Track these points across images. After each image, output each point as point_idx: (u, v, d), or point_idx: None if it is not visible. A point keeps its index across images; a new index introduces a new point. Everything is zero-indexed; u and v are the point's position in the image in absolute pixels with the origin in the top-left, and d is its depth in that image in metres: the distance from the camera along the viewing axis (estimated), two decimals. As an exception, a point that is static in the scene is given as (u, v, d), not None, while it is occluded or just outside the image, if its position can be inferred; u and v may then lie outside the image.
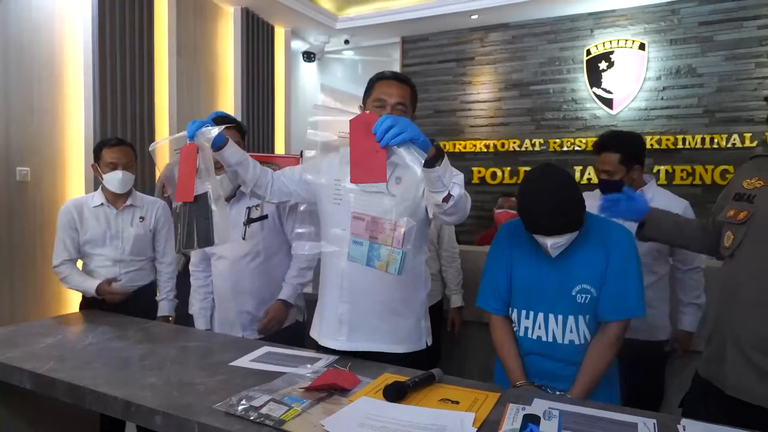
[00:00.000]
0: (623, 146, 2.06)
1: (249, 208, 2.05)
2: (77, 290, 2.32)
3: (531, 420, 1.11)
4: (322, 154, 1.81)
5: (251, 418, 1.14)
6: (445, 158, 1.32)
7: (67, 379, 1.39)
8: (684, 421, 1.16)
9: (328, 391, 1.30)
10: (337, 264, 1.64)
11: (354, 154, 1.28)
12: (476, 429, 1.11)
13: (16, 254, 3.18)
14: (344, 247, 1.60)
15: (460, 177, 1.43)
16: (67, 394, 1.38)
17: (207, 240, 1.49)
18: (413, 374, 1.37)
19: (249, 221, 2.03)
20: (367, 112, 1.33)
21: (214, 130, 1.51)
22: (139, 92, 3.80)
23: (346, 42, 5.68)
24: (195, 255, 2.24)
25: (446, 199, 1.35)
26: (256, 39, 4.94)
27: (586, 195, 2.37)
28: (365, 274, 1.58)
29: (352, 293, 1.63)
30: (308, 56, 5.71)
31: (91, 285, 2.26)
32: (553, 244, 1.44)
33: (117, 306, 2.27)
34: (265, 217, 2.03)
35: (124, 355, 1.60)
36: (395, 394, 1.24)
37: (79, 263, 2.41)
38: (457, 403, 1.24)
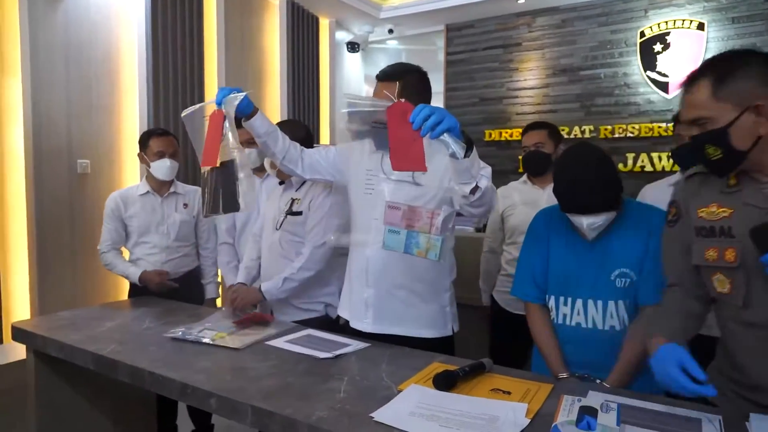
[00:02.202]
0: None
1: (293, 200, 2.06)
2: (122, 275, 2.42)
3: (588, 412, 1.07)
4: (353, 144, 1.83)
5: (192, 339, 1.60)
6: (474, 149, 1.32)
7: (127, 361, 1.44)
8: (753, 416, 1.10)
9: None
10: (363, 251, 1.69)
11: (393, 143, 1.29)
12: (529, 420, 1.08)
13: (77, 242, 3.33)
14: (372, 235, 1.65)
15: (487, 170, 1.45)
16: (127, 375, 1.43)
17: (233, 206, 1.54)
18: (462, 363, 1.35)
19: (290, 212, 2.04)
20: (403, 100, 1.32)
21: (240, 96, 1.55)
22: (190, 88, 3.90)
23: (390, 31, 5.64)
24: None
25: (473, 191, 1.36)
26: (302, 31, 4.98)
27: (651, 186, 2.29)
28: (390, 260, 1.64)
29: (377, 279, 1.67)
30: (352, 47, 5.70)
31: (135, 272, 2.35)
32: (589, 224, 1.42)
33: (166, 293, 2.36)
34: (300, 213, 2.03)
35: (178, 339, 1.65)
36: (445, 383, 1.23)
37: (126, 254, 2.50)
38: (509, 393, 1.22)
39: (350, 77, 5.92)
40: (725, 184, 1.16)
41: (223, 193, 1.54)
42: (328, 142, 5.36)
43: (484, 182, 1.37)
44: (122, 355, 1.49)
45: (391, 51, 6.28)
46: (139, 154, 2.46)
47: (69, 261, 3.29)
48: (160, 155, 2.38)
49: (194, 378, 1.31)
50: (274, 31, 4.84)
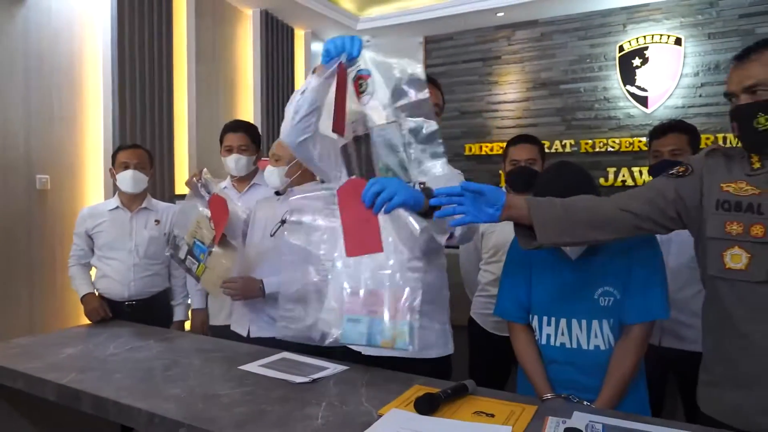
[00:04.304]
0: (691, 129, 2.08)
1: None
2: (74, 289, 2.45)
3: (573, 435, 1.09)
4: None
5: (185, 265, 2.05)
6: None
7: (90, 390, 1.41)
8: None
9: None
10: (364, 267, 1.63)
11: (346, 225, 1.29)
12: (514, 444, 1.09)
13: (35, 263, 3.25)
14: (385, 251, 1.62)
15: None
16: (90, 405, 1.40)
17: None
18: (444, 385, 1.36)
19: (285, 221, 2.04)
20: (354, 177, 1.34)
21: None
22: (158, 99, 3.87)
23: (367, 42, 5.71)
24: None
25: (449, 238, 1.41)
26: (276, 42, 5.00)
27: None
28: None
29: None
30: (328, 59, 5.74)
31: (82, 290, 2.38)
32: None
33: (130, 314, 2.35)
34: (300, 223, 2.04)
35: (146, 365, 1.62)
36: (427, 406, 1.23)
37: (93, 270, 2.47)
38: (493, 416, 1.23)
39: (326, 89, 5.95)
40: (749, 167, 1.22)
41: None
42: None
43: (459, 232, 1.41)
44: (85, 384, 1.45)
45: (368, 63, 6.34)
46: (110, 170, 2.51)
47: (26, 283, 3.21)
48: (125, 166, 2.41)
49: (163, 407, 1.28)
50: (247, 42, 4.85)
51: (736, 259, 1.20)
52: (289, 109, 1.46)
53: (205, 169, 2.07)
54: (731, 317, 1.24)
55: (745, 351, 1.22)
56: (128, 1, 3.66)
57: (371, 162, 1.31)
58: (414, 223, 1.24)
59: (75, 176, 3.47)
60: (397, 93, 1.34)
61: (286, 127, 1.50)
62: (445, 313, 1.74)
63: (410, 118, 1.31)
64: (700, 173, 1.29)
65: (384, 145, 1.32)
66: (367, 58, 1.37)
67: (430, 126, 1.32)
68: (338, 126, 1.37)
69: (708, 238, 1.25)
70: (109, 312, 2.29)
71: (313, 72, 1.42)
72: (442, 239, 1.39)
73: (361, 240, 1.28)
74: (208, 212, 2.02)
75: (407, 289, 1.27)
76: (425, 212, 1.31)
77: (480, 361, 2.41)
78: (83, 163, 3.51)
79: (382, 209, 1.24)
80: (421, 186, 1.33)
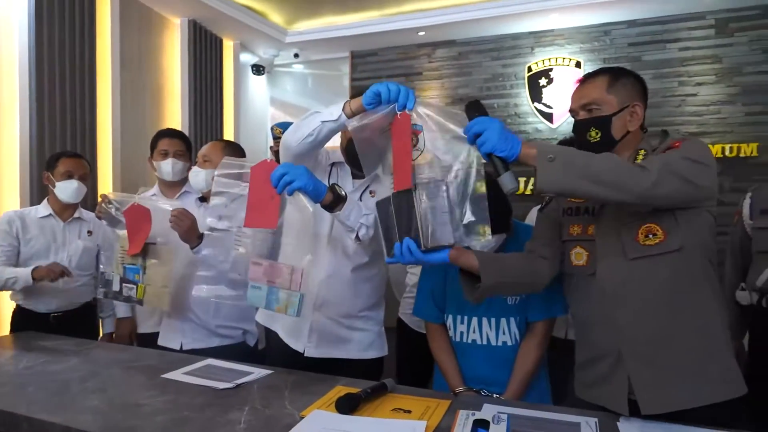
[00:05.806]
0: None
1: (221, 217, 1.99)
2: (9, 284, 2.11)
3: (481, 425, 1.13)
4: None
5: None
6: (348, 201, 1.42)
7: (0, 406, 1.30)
8: (621, 419, 1.22)
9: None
10: (316, 274, 1.63)
11: (251, 199, 1.39)
12: (428, 437, 1.12)
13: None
14: (321, 255, 1.64)
15: (370, 218, 1.49)
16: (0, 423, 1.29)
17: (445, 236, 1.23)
18: (365, 385, 1.37)
19: (215, 229, 1.96)
20: (269, 159, 1.42)
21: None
22: (79, 105, 3.62)
23: (296, 56, 5.66)
24: None
25: (356, 238, 1.50)
26: (204, 51, 4.84)
27: (536, 208, 2.47)
28: (339, 287, 1.66)
29: (326, 306, 1.66)
30: (257, 69, 5.64)
31: (25, 272, 2.07)
32: (482, 246, 1.49)
33: (56, 326, 2.16)
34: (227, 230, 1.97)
35: (63, 378, 1.51)
36: (348, 405, 1.23)
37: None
38: (410, 412, 1.25)
39: (255, 99, 5.84)
40: None
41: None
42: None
43: (363, 231, 1.47)
44: (-6, 400, 1.33)
45: (297, 75, 6.29)
46: (44, 174, 2.31)
47: (-70, 295, 2.90)
48: (68, 175, 2.25)
49: (80, 420, 1.20)
50: (175, 51, 4.67)
51: (579, 256, 1.35)
52: (305, 128, 1.43)
53: (108, 192, 1.96)
54: (576, 307, 1.40)
55: (584, 336, 1.37)
56: (47, 3, 3.41)
57: (412, 218, 1.19)
58: (308, 205, 1.35)
59: (-12, 184, 3.19)
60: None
61: (294, 139, 1.46)
62: (382, 316, 1.78)
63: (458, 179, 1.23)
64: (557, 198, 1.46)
65: (429, 202, 1.22)
66: (421, 113, 1.26)
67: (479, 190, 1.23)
68: (403, 180, 1.23)
69: (561, 240, 1.41)
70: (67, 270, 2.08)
71: (343, 108, 1.38)
72: (351, 236, 1.49)
73: (261, 215, 1.36)
74: None
75: (303, 263, 1.39)
76: (327, 206, 1.41)
77: (408, 359, 2.45)
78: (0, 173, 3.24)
79: (281, 190, 1.32)
80: (336, 185, 1.43)
